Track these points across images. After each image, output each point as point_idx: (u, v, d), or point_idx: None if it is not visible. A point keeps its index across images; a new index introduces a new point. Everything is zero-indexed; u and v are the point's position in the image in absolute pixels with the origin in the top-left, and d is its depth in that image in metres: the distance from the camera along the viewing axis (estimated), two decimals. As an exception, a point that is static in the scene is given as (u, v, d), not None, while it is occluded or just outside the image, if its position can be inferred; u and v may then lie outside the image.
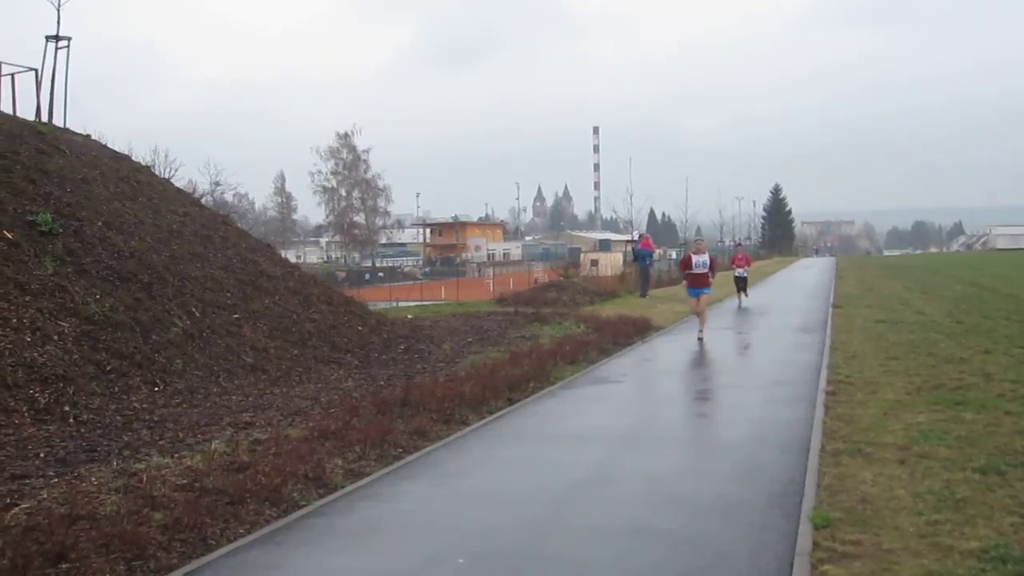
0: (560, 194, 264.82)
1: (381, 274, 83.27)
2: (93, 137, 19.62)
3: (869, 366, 14.70)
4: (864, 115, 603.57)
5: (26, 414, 10.23)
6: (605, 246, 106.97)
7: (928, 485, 7.70)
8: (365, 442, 9.72)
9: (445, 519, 7.43)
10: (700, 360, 17.06)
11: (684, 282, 21.28)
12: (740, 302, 29.95)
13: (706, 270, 20.45)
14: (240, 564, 6.44)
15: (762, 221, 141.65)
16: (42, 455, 9.09)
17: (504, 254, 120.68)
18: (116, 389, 11.73)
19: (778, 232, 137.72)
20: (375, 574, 6.22)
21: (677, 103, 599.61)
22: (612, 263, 56.01)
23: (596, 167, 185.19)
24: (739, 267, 30.90)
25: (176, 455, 9.12)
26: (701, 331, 19.83)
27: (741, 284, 30.65)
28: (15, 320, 11.67)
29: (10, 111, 18.18)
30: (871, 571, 5.83)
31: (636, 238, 45.74)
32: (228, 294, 16.34)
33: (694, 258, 20.68)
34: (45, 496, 7.60)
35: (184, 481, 8.13)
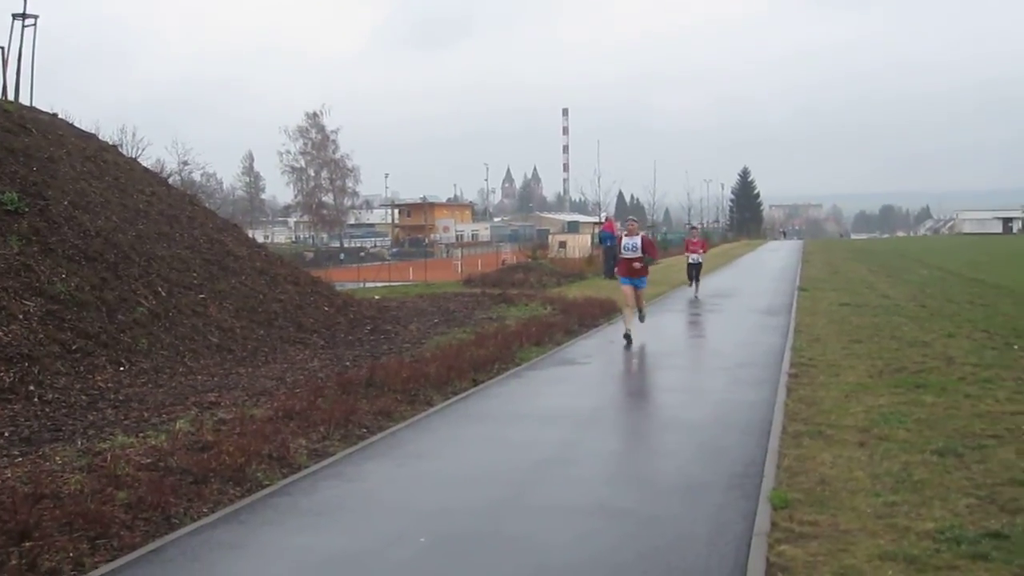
0: (529, 176, 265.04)
1: (363, 254, 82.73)
2: (60, 116, 19.42)
3: (832, 349, 14.85)
4: (834, 100, 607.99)
5: (-11, 393, 10.16)
6: (573, 228, 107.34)
7: (886, 467, 7.81)
8: (329, 422, 9.73)
9: (408, 499, 7.46)
10: (665, 342, 17.12)
11: (616, 269, 17.67)
12: (694, 292, 26.36)
13: (637, 254, 16.78)
14: (204, 542, 6.45)
15: (730, 204, 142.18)
16: (6, 434, 9.06)
17: (472, 235, 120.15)
18: (81, 369, 11.67)
19: (746, 215, 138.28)
20: (338, 553, 6.23)
21: (648, 85, 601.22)
22: (580, 245, 56.16)
23: (565, 149, 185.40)
24: (693, 253, 27.00)
25: (141, 434, 9.12)
26: (628, 329, 16.38)
27: (694, 272, 26.76)
28: (-23, 298, 11.58)
29: (-25, 89, 17.95)
30: (827, 551, 5.92)
31: (603, 220, 45.95)
32: (194, 274, 16.25)
33: (624, 240, 17.17)
34: (9, 475, 7.58)
35: (148, 460, 8.12)
